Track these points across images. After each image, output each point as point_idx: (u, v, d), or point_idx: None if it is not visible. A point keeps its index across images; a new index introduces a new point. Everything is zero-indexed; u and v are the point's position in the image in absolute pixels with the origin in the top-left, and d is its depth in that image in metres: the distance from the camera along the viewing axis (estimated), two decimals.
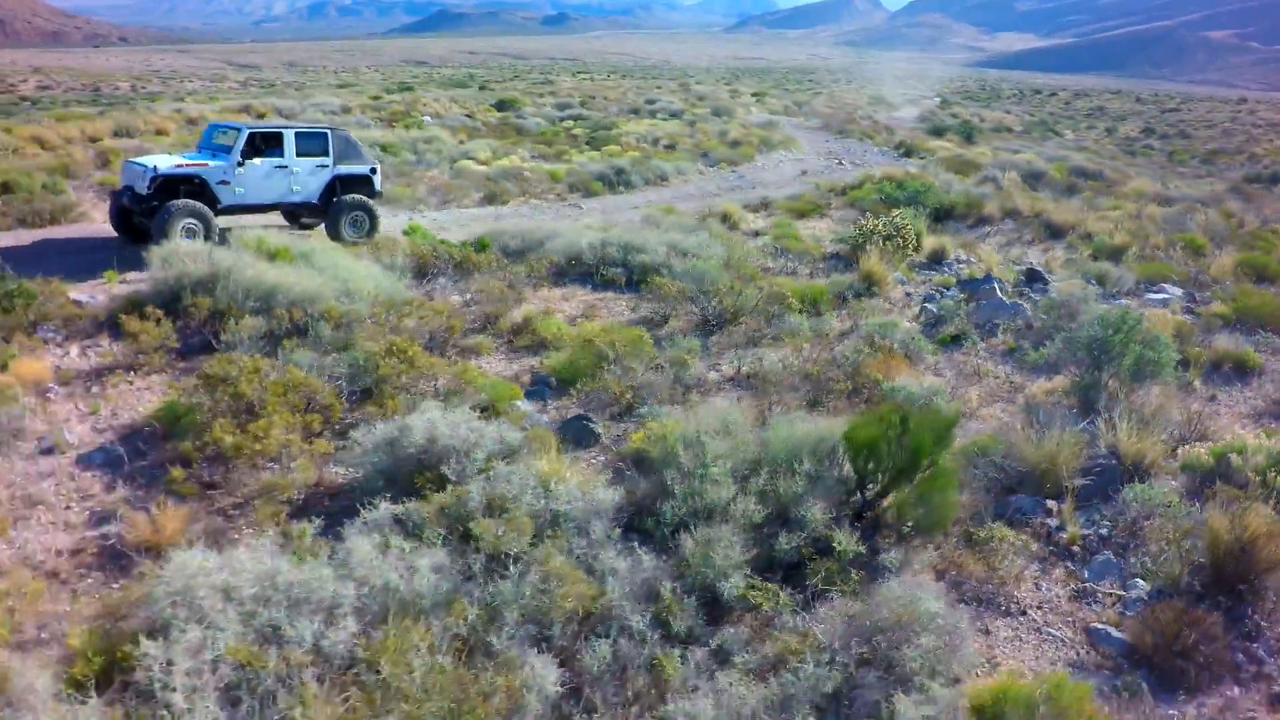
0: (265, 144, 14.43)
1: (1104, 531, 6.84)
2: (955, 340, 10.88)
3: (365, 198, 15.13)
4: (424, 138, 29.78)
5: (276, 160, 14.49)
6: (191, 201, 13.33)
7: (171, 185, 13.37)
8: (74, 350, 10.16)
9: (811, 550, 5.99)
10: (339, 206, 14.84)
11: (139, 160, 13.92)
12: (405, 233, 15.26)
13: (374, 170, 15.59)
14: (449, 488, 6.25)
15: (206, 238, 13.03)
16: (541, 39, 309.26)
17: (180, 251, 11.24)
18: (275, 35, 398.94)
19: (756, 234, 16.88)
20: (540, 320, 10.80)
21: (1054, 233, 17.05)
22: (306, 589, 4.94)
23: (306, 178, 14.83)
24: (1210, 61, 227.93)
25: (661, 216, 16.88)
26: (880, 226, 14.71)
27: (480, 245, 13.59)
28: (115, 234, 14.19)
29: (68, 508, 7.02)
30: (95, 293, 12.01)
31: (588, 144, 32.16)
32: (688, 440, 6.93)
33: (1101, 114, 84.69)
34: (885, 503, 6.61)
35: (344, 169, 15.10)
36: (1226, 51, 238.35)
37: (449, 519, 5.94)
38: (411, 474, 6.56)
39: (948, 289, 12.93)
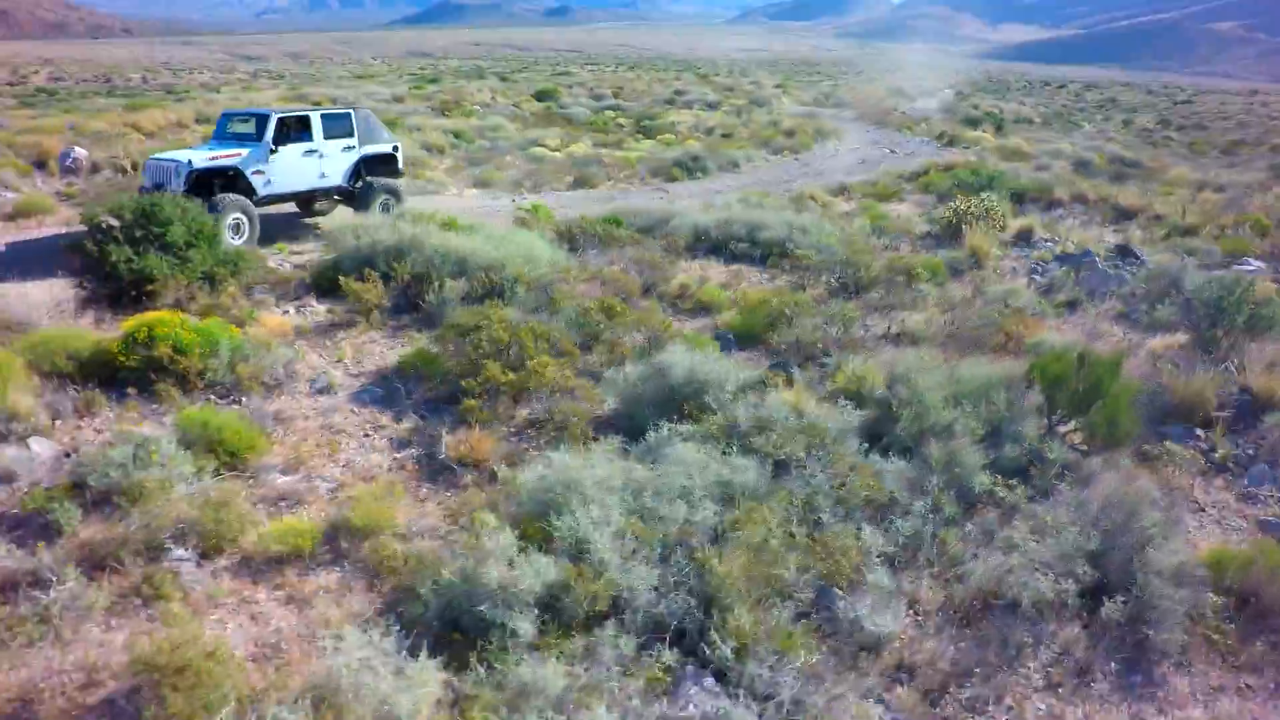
0: (294, 129, 14.00)
1: (1250, 451, 8.12)
2: (1070, 306, 12.16)
3: (391, 179, 15.03)
4: (488, 126, 31.03)
5: (306, 145, 14.10)
6: (237, 196, 12.97)
7: (205, 180, 12.89)
8: (291, 309, 11.43)
9: (1028, 459, 7.29)
10: (369, 190, 14.67)
11: (168, 155, 13.36)
12: (527, 211, 16.42)
13: (396, 149, 15.49)
14: (718, 413, 7.52)
15: (250, 235, 12.93)
16: (544, 31, 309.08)
17: (371, 224, 12.54)
18: (278, 27, 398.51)
19: (845, 215, 18.12)
20: (698, 287, 12.08)
21: (1122, 215, 18.30)
22: (663, 482, 6.20)
23: (335, 161, 14.55)
24: (1215, 53, 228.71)
25: (759, 199, 18.13)
26: (973, 207, 15.97)
27: (615, 222, 14.82)
28: None
29: (366, 435, 8.26)
30: (283, 261, 13.31)
31: (639, 133, 33.39)
32: (897, 377, 8.21)
33: (1114, 106, 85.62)
34: (1070, 426, 7.89)
35: (369, 150, 14.97)
36: (1231, 43, 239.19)
37: (726, 435, 7.20)
38: (676, 403, 7.83)
39: (1046, 263, 14.21)
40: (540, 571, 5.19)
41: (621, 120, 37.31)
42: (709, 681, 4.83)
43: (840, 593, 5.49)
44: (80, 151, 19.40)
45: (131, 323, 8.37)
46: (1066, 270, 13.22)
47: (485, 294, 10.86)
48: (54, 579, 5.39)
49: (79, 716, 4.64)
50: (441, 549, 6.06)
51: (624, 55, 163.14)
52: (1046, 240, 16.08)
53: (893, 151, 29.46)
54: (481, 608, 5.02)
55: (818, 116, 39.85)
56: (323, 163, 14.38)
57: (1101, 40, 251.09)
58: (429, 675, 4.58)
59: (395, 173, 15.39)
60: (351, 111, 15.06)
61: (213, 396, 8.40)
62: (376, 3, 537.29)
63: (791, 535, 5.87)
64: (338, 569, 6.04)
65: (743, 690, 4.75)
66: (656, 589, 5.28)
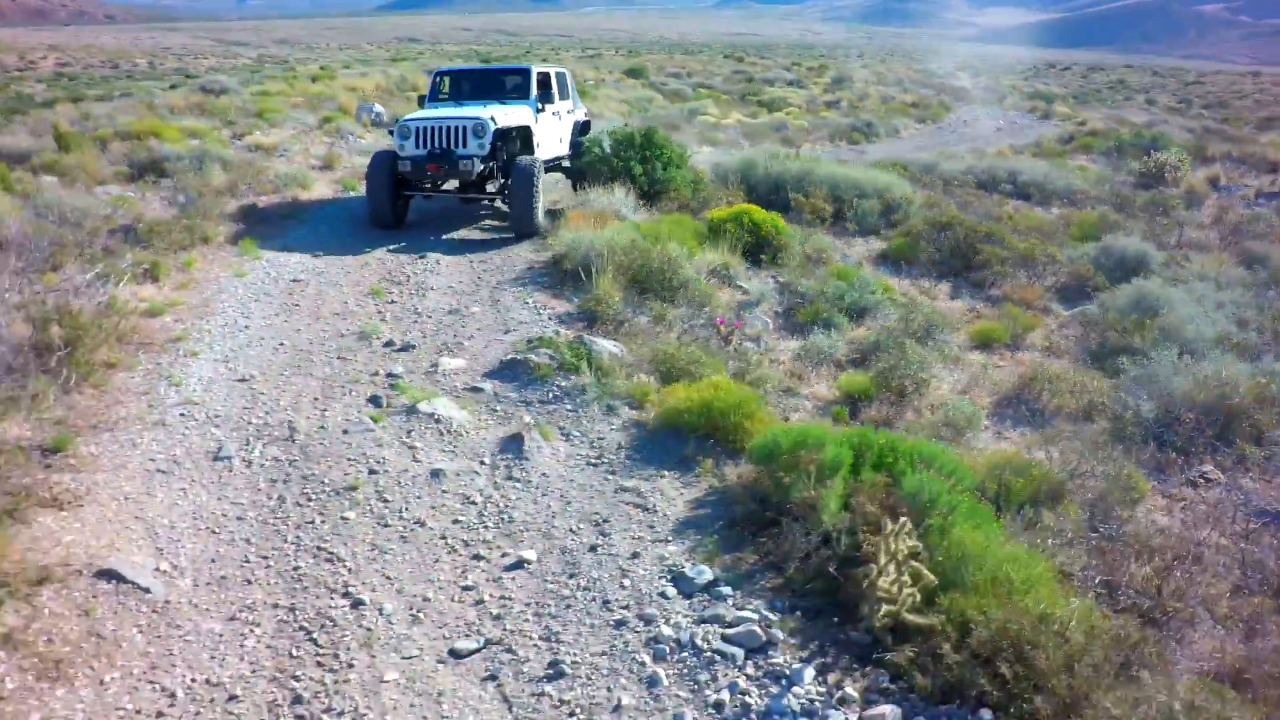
0: (545, 88, 12.74)
1: None
2: None
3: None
4: (642, 98, 34.31)
5: (553, 106, 12.79)
6: (537, 158, 11.48)
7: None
8: None
9: None
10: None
11: (450, 115, 11.42)
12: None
13: (589, 116, 14.89)
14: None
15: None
16: (534, 15, 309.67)
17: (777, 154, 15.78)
18: (261, 13, 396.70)
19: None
20: (1016, 214, 15.62)
21: (1270, 167, 21.99)
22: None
23: (566, 127, 13.48)
24: (1202, 36, 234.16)
25: (962, 153, 21.69)
26: (1172, 158, 19.57)
27: (902, 168, 18.30)
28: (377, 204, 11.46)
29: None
30: None
31: (760, 106, 36.75)
32: None
33: (1124, 87, 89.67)
34: None
35: (580, 116, 14.38)
36: (1218, 25, 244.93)
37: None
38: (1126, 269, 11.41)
39: (1253, 199, 17.89)
40: None
41: (722, 97, 40.47)
42: None
43: None
44: (379, 107, 22.69)
45: (722, 213, 11.65)
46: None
47: (885, 211, 14.31)
48: None
49: None
50: None
51: (615, 40, 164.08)
52: (1231, 185, 19.74)
53: (1015, 122, 33.09)
54: None
55: (912, 92, 43.37)
56: (560, 127, 13.18)
57: (1090, 22, 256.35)
58: None
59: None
60: (566, 72, 14.17)
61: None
62: None
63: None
64: None
65: None
66: None
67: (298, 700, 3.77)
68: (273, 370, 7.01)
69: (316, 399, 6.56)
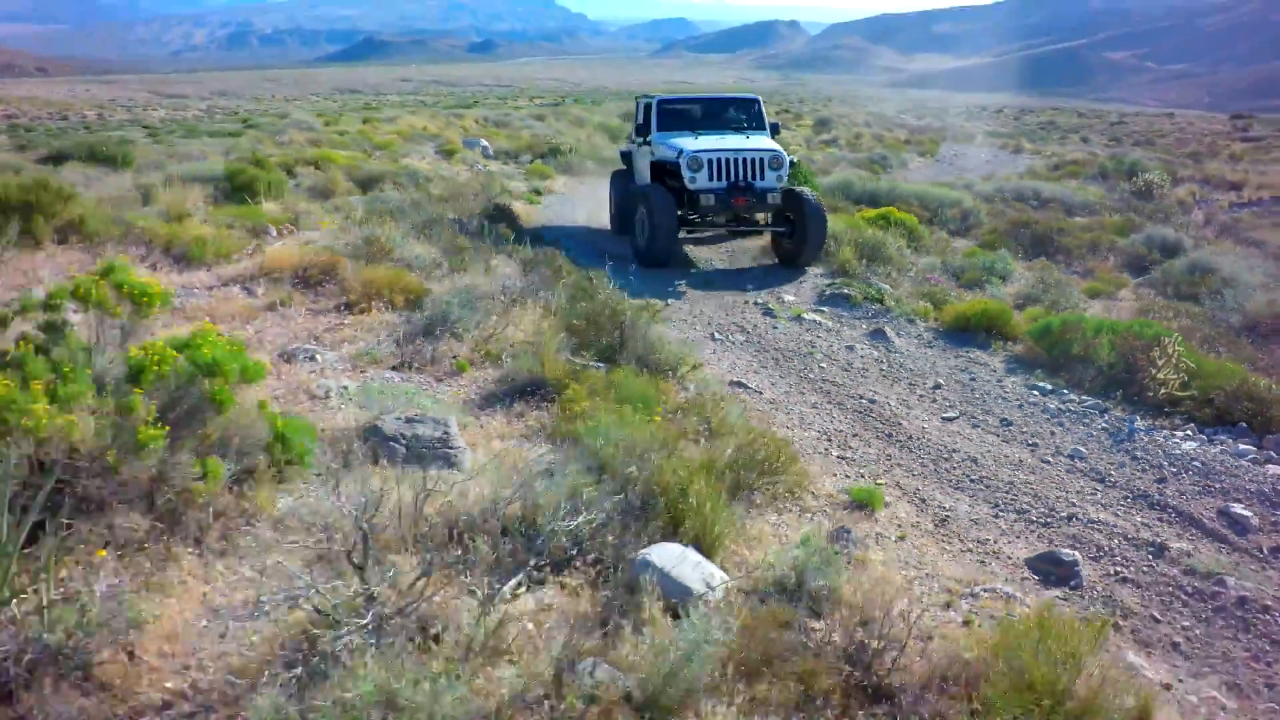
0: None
1: None
2: None
3: None
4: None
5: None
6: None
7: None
8: None
9: None
10: None
11: (742, 147, 11.68)
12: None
13: None
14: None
15: None
16: (471, 66, 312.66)
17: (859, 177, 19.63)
18: (196, 65, 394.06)
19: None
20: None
21: (1230, 186, 26.48)
22: None
23: None
24: (1112, 81, 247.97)
25: (978, 179, 25.76)
26: (1156, 177, 23.88)
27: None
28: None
29: None
30: None
31: None
32: None
33: (1055, 127, 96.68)
34: None
35: None
36: (1126, 71, 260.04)
37: None
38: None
39: (1230, 208, 22.18)
40: None
41: None
42: None
43: None
44: (484, 141, 26.06)
45: (870, 213, 15.32)
46: (1253, 212, 21.21)
47: (962, 218, 18.11)
48: None
49: None
50: None
51: (555, 88, 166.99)
52: (1206, 200, 24.10)
53: (996, 156, 37.63)
54: None
55: (903, 130, 48.08)
56: None
57: (1011, 68, 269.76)
58: None
59: None
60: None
61: None
62: (297, 41, 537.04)
63: None
64: None
65: None
66: None
67: (886, 437, 7.16)
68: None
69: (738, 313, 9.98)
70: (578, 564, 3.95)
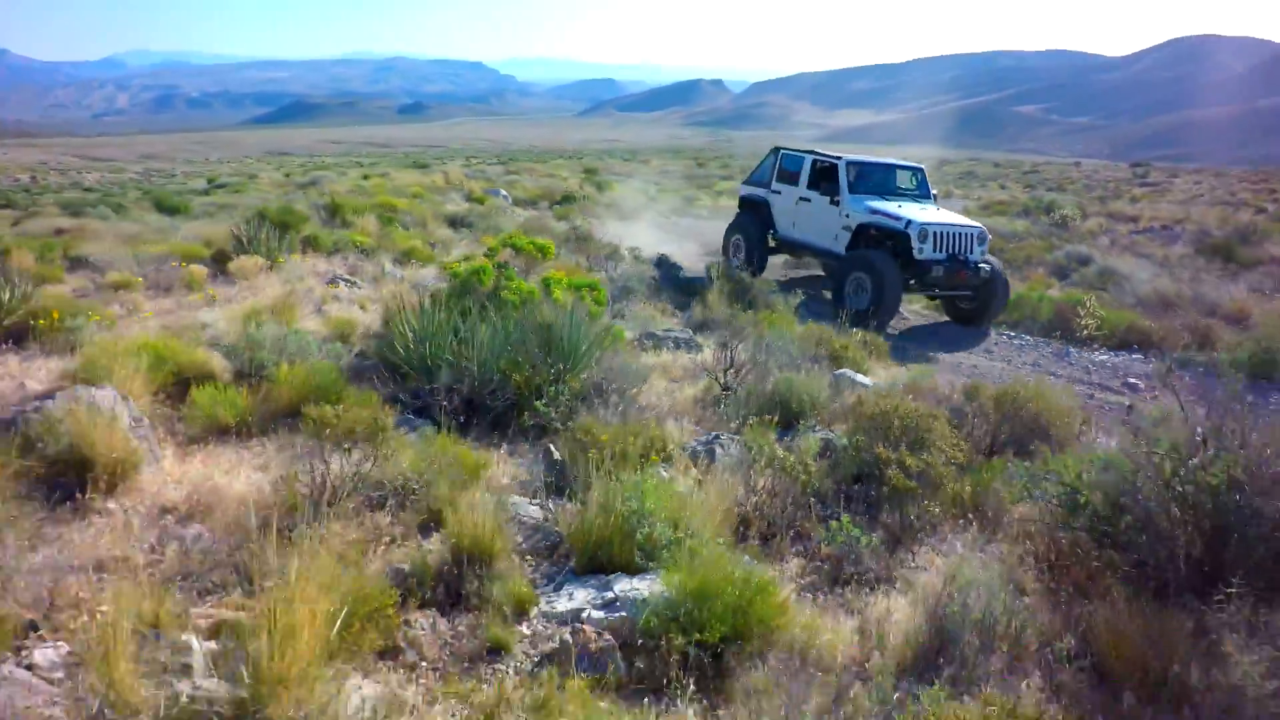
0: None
1: None
2: None
3: None
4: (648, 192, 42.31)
5: None
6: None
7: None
8: None
9: None
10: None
11: (948, 222, 12.42)
12: None
13: None
14: None
15: None
16: (402, 127, 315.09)
17: None
18: (121, 129, 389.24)
19: None
20: None
21: (1130, 219, 31.61)
22: None
23: None
24: (1022, 133, 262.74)
25: None
26: (1069, 213, 28.74)
27: None
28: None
29: None
30: None
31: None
32: None
33: (974, 176, 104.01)
34: None
35: None
36: (1034, 124, 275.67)
37: None
38: None
39: (1129, 235, 27.09)
40: None
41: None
42: None
43: None
44: (504, 192, 29.79)
45: None
46: (1146, 236, 26.10)
47: None
48: None
49: None
50: None
51: (486, 149, 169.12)
52: (1110, 230, 29.04)
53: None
54: None
55: None
56: None
57: (926, 122, 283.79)
58: None
59: None
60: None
61: None
62: (225, 104, 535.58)
63: None
64: None
65: None
66: None
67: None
68: None
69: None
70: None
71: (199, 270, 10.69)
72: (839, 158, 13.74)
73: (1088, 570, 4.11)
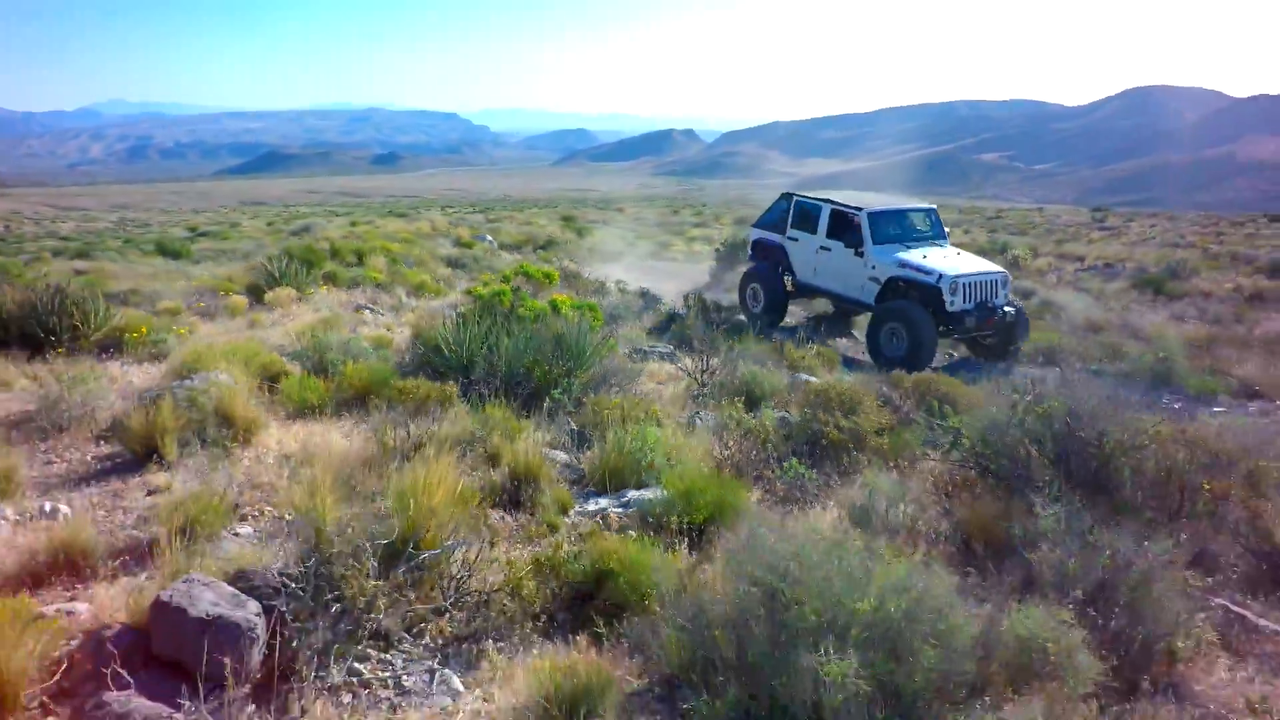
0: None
1: None
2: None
3: None
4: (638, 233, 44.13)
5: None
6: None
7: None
8: None
9: None
10: None
11: (970, 271, 12.71)
12: None
13: None
14: None
15: None
16: (376, 178, 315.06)
17: None
18: (95, 178, 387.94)
19: None
20: None
21: (1077, 258, 33.79)
22: None
23: None
24: (986, 180, 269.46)
25: None
26: (1021, 254, 30.84)
27: None
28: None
29: None
30: None
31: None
32: None
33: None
34: None
35: None
36: (997, 171, 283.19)
37: None
38: None
39: (1075, 273, 29.17)
40: None
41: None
42: None
43: None
44: (489, 236, 31.47)
45: None
46: (1090, 273, 28.19)
47: None
48: None
49: None
50: None
51: (459, 198, 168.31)
52: (1058, 269, 31.15)
53: None
54: None
55: None
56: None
57: (893, 170, 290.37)
58: None
59: None
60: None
61: None
62: (199, 154, 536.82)
63: None
64: None
65: None
66: None
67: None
68: None
69: None
70: None
71: (240, 299, 12.27)
72: (859, 209, 13.60)
73: (970, 489, 5.73)
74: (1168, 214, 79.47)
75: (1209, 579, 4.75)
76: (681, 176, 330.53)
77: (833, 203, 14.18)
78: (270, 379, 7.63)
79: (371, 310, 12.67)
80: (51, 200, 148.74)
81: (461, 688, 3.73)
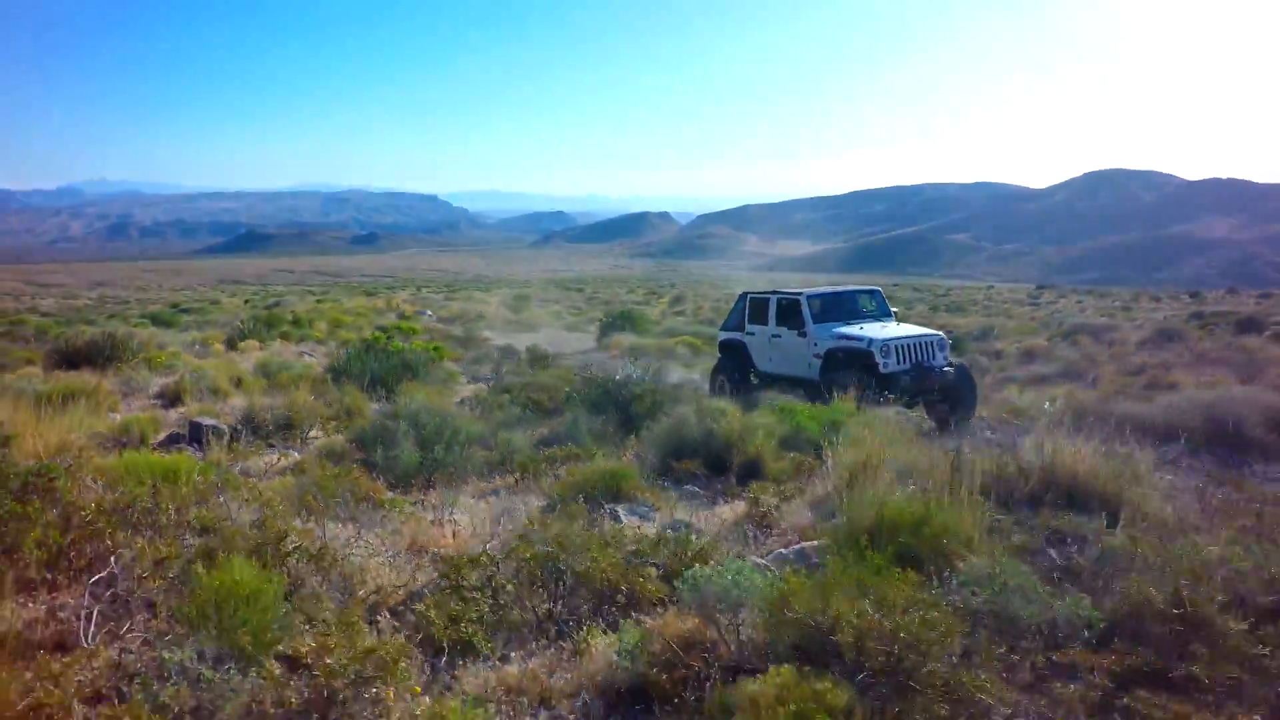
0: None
1: None
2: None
3: None
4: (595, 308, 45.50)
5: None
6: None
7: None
8: None
9: None
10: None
11: (909, 334, 13.57)
12: None
13: None
14: None
15: None
16: (355, 257, 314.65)
17: None
18: (74, 256, 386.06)
19: None
20: None
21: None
22: None
23: None
24: (955, 259, 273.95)
25: None
26: (1016, 329, 32.34)
27: None
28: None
29: None
30: None
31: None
32: None
33: (894, 299, 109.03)
34: None
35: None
36: (965, 251, 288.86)
37: None
38: None
39: None
40: None
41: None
42: None
43: None
44: (429, 311, 33.09)
45: None
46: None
47: None
48: None
49: None
50: None
51: (437, 278, 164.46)
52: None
53: None
54: None
55: None
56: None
57: (863, 251, 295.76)
58: None
59: None
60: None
61: None
62: (178, 233, 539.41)
63: None
64: None
65: None
66: None
67: None
68: None
69: None
70: None
71: (220, 346, 17.87)
72: (799, 294, 14.80)
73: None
74: (1114, 292, 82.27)
75: None
76: (658, 258, 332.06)
77: (778, 293, 15.35)
78: (237, 380, 13.22)
79: (309, 355, 18.84)
80: (30, 277, 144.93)
81: None
